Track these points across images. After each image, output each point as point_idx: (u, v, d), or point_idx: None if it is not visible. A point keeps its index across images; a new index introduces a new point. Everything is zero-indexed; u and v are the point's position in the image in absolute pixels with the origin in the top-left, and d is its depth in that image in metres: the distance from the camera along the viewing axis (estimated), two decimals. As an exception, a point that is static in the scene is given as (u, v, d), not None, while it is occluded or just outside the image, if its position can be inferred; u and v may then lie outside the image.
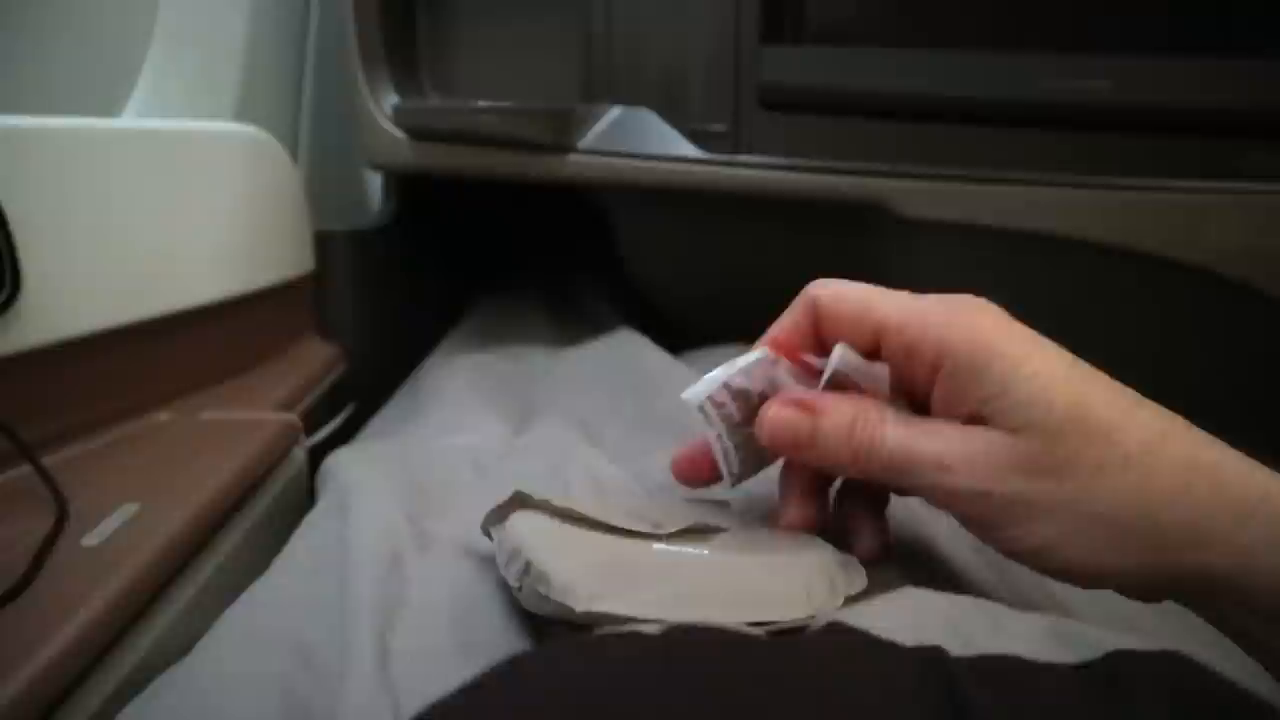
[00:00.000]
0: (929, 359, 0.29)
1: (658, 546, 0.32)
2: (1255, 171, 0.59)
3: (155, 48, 0.66)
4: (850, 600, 0.29)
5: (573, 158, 0.69)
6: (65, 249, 0.54)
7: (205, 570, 0.47)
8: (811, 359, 0.32)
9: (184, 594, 0.45)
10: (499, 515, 0.34)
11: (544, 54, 0.74)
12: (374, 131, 0.72)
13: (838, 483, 0.36)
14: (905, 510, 0.39)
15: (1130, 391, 0.28)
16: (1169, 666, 0.23)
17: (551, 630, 0.30)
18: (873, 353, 0.31)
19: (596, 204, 0.87)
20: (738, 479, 0.34)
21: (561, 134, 0.68)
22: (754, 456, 0.34)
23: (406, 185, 0.88)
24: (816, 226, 0.71)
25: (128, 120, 0.64)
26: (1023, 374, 0.27)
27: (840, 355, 0.30)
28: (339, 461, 0.51)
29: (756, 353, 0.32)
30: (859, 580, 0.31)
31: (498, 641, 0.30)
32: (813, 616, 0.28)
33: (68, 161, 0.55)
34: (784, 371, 0.32)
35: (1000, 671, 0.23)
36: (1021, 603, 0.34)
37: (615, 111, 0.69)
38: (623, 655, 0.23)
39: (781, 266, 0.80)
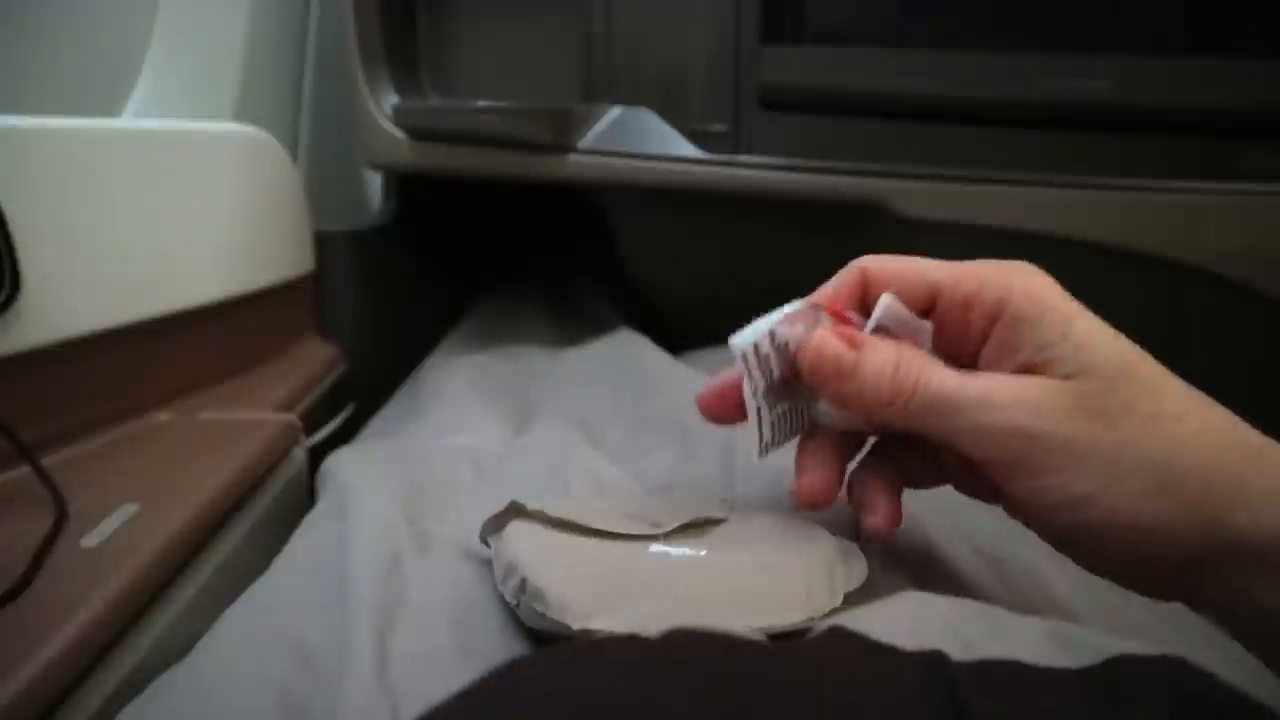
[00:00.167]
0: (987, 309, 0.29)
1: (655, 548, 0.32)
2: (1256, 172, 0.59)
3: (155, 48, 0.66)
4: (850, 598, 0.29)
5: (573, 158, 0.69)
6: (65, 249, 0.54)
7: (205, 570, 0.47)
8: (854, 315, 0.32)
9: (184, 594, 0.45)
10: (496, 525, 0.34)
11: (544, 54, 0.74)
12: (374, 131, 0.72)
13: (853, 464, 0.35)
14: (906, 516, 0.39)
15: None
16: (1169, 671, 0.23)
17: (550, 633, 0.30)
18: (920, 313, 0.31)
19: (596, 204, 0.87)
20: (767, 447, 0.33)
21: (561, 134, 0.68)
22: (785, 424, 0.33)
23: (406, 185, 0.88)
24: (816, 226, 0.71)
25: (127, 120, 0.64)
26: (1078, 326, 0.28)
27: (887, 304, 0.30)
28: (339, 461, 0.51)
29: (800, 301, 0.31)
30: (859, 572, 0.31)
31: (497, 644, 0.30)
32: (812, 619, 0.28)
33: (68, 162, 0.55)
34: (826, 324, 0.31)
35: (1001, 676, 0.23)
36: (1021, 605, 0.34)
37: (615, 111, 0.69)
38: (621, 659, 0.23)
39: (781, 266, 0.80)
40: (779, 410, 0.32)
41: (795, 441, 0.34)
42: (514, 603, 0.30)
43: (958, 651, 0.24)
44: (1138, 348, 0.28)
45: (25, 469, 0.48)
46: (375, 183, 0.87)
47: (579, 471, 0.45)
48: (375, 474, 0.46)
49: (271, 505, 0.56)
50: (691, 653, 0.23)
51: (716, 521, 0.35)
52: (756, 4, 0.65)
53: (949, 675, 0.22)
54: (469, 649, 0.30)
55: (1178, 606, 0.36)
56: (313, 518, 0.45)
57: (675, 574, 0.31)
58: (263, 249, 0.71)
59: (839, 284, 0.32)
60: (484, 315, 0.88)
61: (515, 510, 0.34)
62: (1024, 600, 0.35)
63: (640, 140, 0.68)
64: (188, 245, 0.64)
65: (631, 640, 0.24)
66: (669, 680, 0.22)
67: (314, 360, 0.74)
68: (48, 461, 0.51)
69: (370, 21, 0.71)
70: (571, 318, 0.90)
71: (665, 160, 0.68)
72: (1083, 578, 0.36)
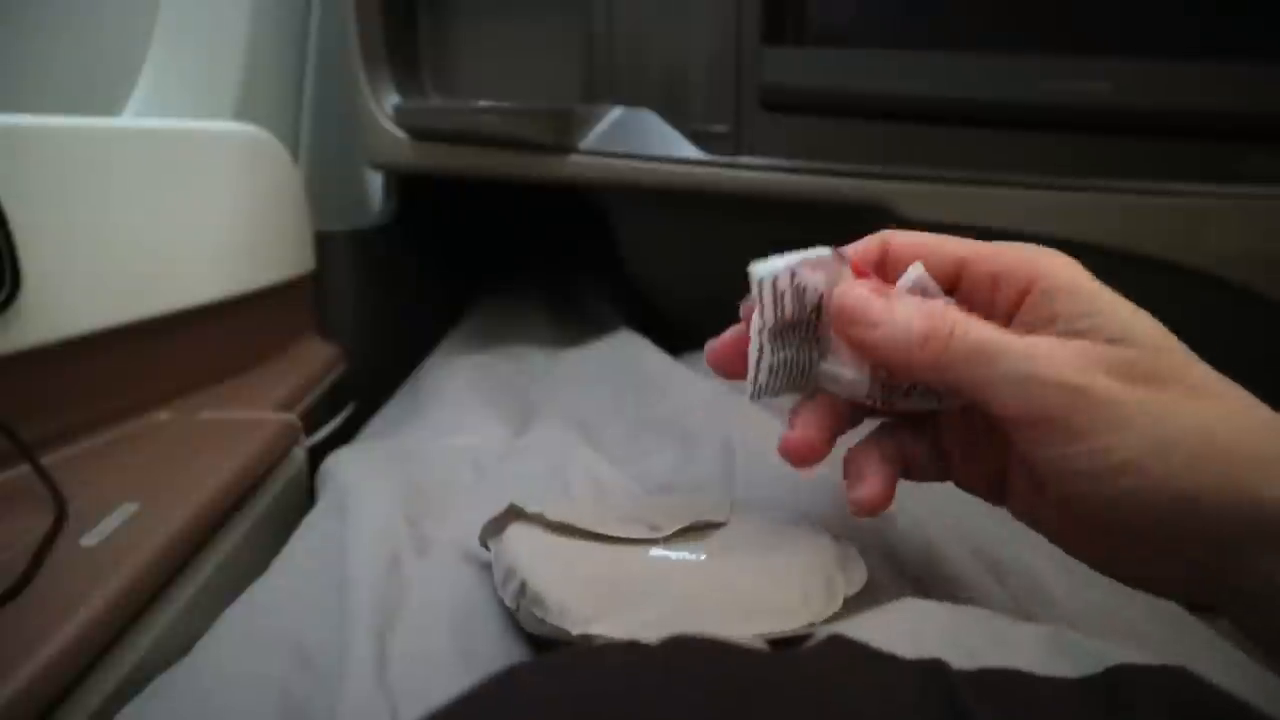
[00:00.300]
0: (1016, 284, 0.28)
1: (654, 552, 0.32)
2: (1256, 175, 0.59)
3: (156, 47, 0.66)
4: (849, 604, 0.29)
5: (574, 158, 0.69)
6: (65, 248, 0.54)
7: (205, 570, 0.47)
8: (876, 280, 0.31)
9: (184, 594, 0.45)
10: (495, 528, 0.34)
11: (545, 54, 0.74)
12: (375, 131, 0.72)
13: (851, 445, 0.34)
14: (906, 517, 0.39)
15: None
16: (1170, 681, 0.23)
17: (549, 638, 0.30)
18: (943, 289, 0.30)
19: (597, 204, 0.87)
20: (760, 391, 0.32)
21: (563, 134, 0.68)
22: (784, 373, 0.32)
23: (407, 185, 0.88)
24: (817, 228, 0.70)
25: (128, 119, 0.64)
26: (1112, 299, 0.27)
27: (917, 274, 0.29)
28: (338, 461, 0.51)
29: (824, 249, 0.30)
30: (858, 577, 0.31)
31: (496, 647, 0.30)
32: (812, 625, 0.28)
33: (68, 160, 0.55)
34: (847, 276, 0.30)
35: (1001, 684, 0.23)
36: (1021, 609, 0.34)
37: (616, 112, 0.69)
38: (621, 665, 0.23)
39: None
40: (781, 356, 0.31)
41: (790, 400, 0.33)
42: (513, 607, 0.30)
43: (957, 659, 0.24)
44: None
45: (25, 468, 0.48)
46: (376, 182, 0.87)
47: (579, 472, 0.45)
48: (375, 474, 0.46)
49: (271, 505, 0.56)
50: (691, 659, 0.23)
51: (716, 525, 0.35)
52: (758, 5, 0.65)
53: (948, 683, 0.22)
54: (468, 651, 0.30)
55: (1177, 611, 0.36)
56: (312, 518, 0.45)
57: (674, 578, 0.31)
58: (263, 248, 0.71)
59: (859, 249, 0.31)
60: (485, 315, 0.88)
61: (515, 513, 0.34)
62: (1023, 604, 0.35)
63: (641, 141, 0.68)
64: (188, 244, 0.64)
65: (631, 646, 0.24)
66: (668, 686, 0.22)
67: (314, 360, 0.74)
68: (48, 460, 0.51)
69: (372, 21, 0.71)
70: (572, 318, 0.90)
71: (666, 161, 0.67)
72: (1083, 581, 0.36)
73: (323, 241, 0.79)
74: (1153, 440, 0.25)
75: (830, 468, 0.41)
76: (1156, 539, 0.26)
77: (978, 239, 0.31)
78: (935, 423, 0.33)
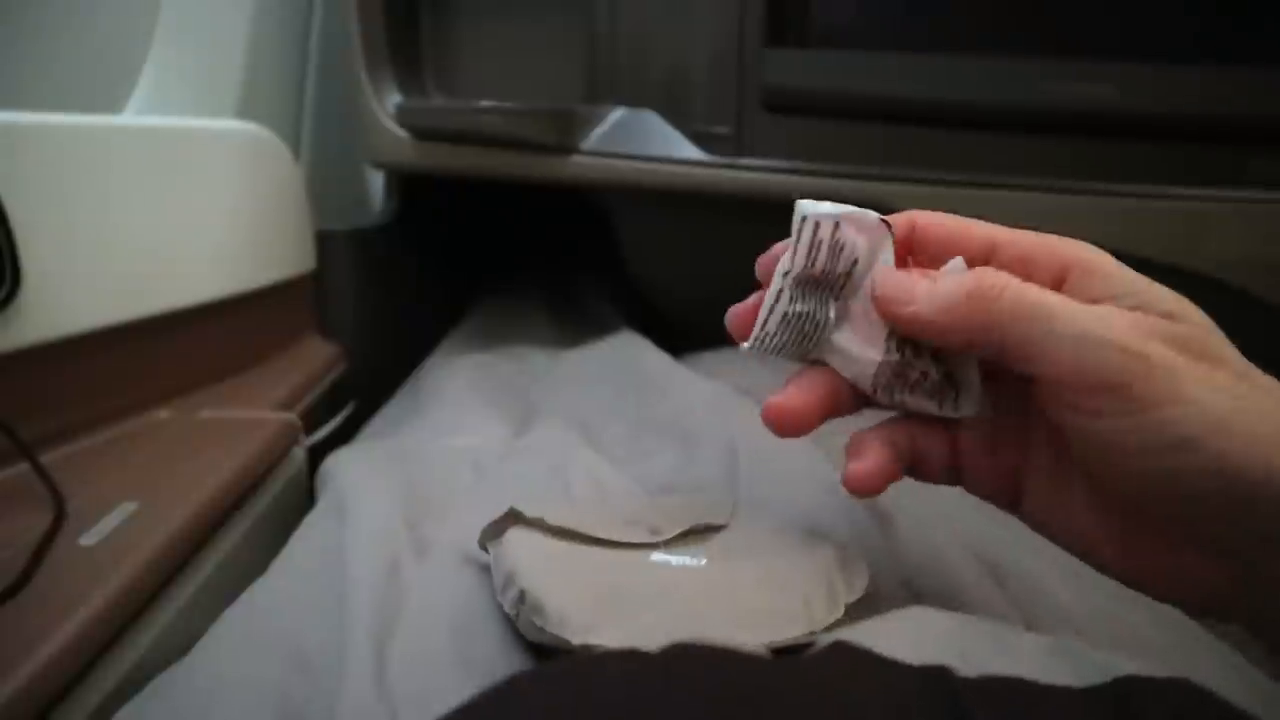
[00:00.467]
0: (1053, 267, 0.27)
1: (655, 557, 0.32)
2: (1257, 179, 0.59)
3: (157, 45, 0.66)
4: (851, 610, 0.29)
5: (575, 159, 0.69)
6: (66, 246, 0.54)
7: (204, 570, 0.47)
8: (918, 270, 0.29)
9: (183, 593, 0.45)
10: (495, 531, 0.34)
11: (547, 54, 0.74)
12: (377, 131, 0.72)
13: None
14: (908, 519, 0.39)
15: None
16: (1177, 693, 0.23)
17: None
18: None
19: (599, 204, 0.87)
20: (763, 341, 0.30)
21: (564, 135, 0.68)
22: (792, 331, 0.30)
23: (408, 184, 0.88)
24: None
25: (129, 117, 0.64)
26: (1150, 281, 0.26)
27: (958, 264, 0.28)
28: (338, 462, 0.51)
29: (871, 212, 0.29)
30: (860, 582, 0.30)
31: (495, 652, 0.30)
32: (813, 633, 0.28)
33: (69, 158, 0.55)
34: (888, 252, 0.29)
35: (1005, 693, 0.22)
36: (1026, 617, 0.33)
37: (618, 113, 0.69)
38: (622, 674, 0.23)
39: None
40: (797, 308, 0.29)
41: (784, 369, 0.31)
42: (513, 614, 0.30)
43: (961, 667, 0.24)
44: None
45: (24, 466, 0.48)
46: (377, 181, 0.87)
47: (579, 473, 0.45)
48: (374, 475, 0.46)
49: (271, 504, 0.56)
50: (692, 666, 0.23)
51: (717, 528, 0.35)
52: (761, 6, 0.64)
53: (952, 689, 0.22)
54: (468, 656, 0.30)
55: (1180, 618, 0.36)
56: (311, 519, 0.45)
57: (675, 585, 0.30)
58: (264, 247, 0.71)
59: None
60: (485, 315, 0.88)
61: (514, 517, 0.34)
62: (1025, 610, 0.34)
63: (643, 142, 0.68)
64: (189, 243, 0.64)
65: (631, 654, 0.24)
66: (670, 695, 0.22)
67: (314, 359, 0.74)
68: (47, 459, 0.51)
69: (374, 20, 0.70)
70: (573, 318, 0.90)
71: (668, 162, 0.67)
72: (1086, 587, 0.36)
73: (323, 240, 0.79)
74: (1213, 416, 0.23)
75: (834, 468, 0.41)
76: (1195, 528, 0.25)
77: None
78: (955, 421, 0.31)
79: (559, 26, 0.73)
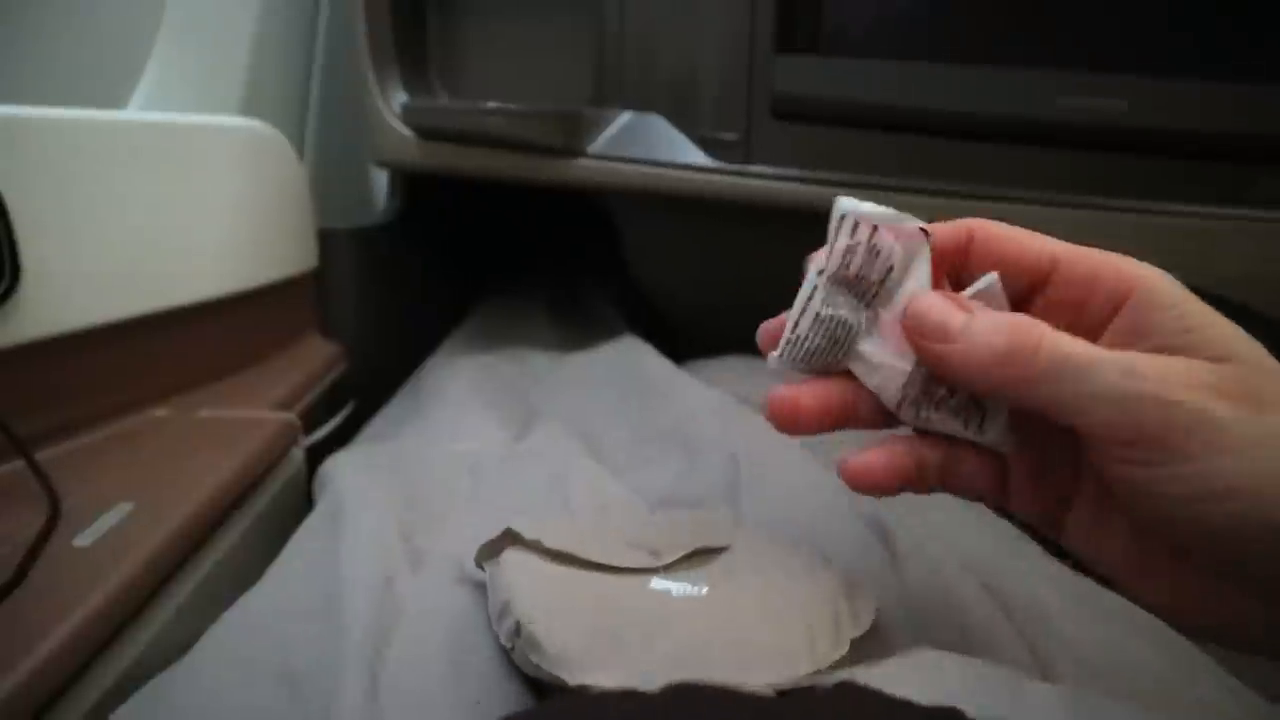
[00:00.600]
0: (1114, 290, 0.27)
1: (655, 583, 0.31)
2: (1262, 197, 0.58)
3: (162, 40, 0.66)
4: (856, 644, 0.29)
5: (581, 162, 0.68)
6: (66, 241, 0.54)
7: (200, 572, 0.47)
8: (949, 290, 0.28)
9: (178, 596, 0.44)
10: (491, 550, 0.34)
11: (555, 56, 0.74)
12: (382, 130, 0.71)
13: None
14: (911, 541, 0.38)
15: None
16: None
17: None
18: (1025, 288, 0.28)
19: (604, 207, 0.87)
20: (793, 347, 0.29)
21: (571, 138, 0.68)
22: (827, 335, 0.29)
23: (412, 183, 0.87)
24: (827, 239, 0.70)
25: (132, 112, 0.64)
26: (1212, 315, 0.26)
27: (989, 281, 0.28)
28: (336, 467, 0.50)
29: (911, 218, 0.28)
30: (865, 614, 0.30)
31: (490, 680, 0.30)
32: (818, 672, 0.27)
33: (71, 152, 0.54)
34: (924, 262, 0.28)
35: None
36: (1040, 662, 0.33)
37: (625, 116, 0.69)
38: (620, 716, 0.22)
39: (789, 278, 0.79)
40: (829, 311, 0.29)
41: (787, 378, 0.30)
42: (508, 646, 0.29)
43: (974, 714, 0.23)
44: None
45: (20, 463, 0.48)
46: (381, 180, 0.86)
47: (579, 484, 0.44)
48: (371, 483, 0.46)
49: (269, 505, 0.56)
50: (693, 709, 0.22)
51: (718, 550, 0.34)
52: (771, 12, 0.64)
53: None
54: (462, 681, 0.29)
55: (1182, 646, 0.35)
56: (307, 528, 0.45)
57: (675, 617, 0.30)
58: (266, 245, 0.71)
59: (943, 232, 0.29)
60: (488, 316, 0.88)
61: (511, 537, 0.33)
62: (1029, 638, 0.34)
63: (650, 146, 0.68)
64: (191, 240, 0.63)
65: (630, 695, 0.23)
66: None
67: (315, 358, 0.74)
68: (44, 456, 0.50)
69: (380, 18, 0.70)
70: (576, 320, 0.90)
71: (675, 168, 0.67)
72: (1088, 615, 0.36)
73: (326, 239, 0.78)
74: (1261, 464, 0.23)
75: (837, 488, 0.40)
76: (1238, 570, 0.24)
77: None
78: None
79: (567, 28, 0.72)
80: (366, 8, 0.70)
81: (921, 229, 0.28)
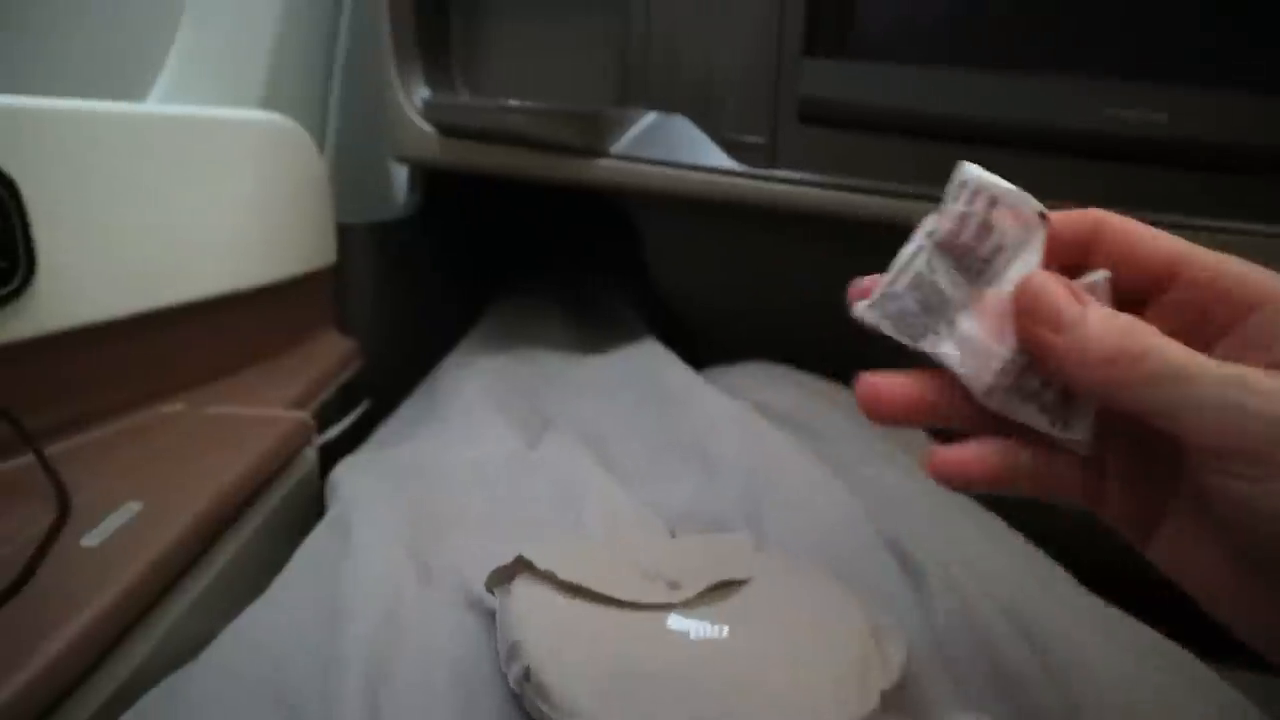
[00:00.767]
0: (1243, 299, 0.26)
1: (673, 622, 0.30)
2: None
3: (183, 32, 0.65)
4: (886, 697, 0.27)
5: (603, 162, 0.67)
6: (83, 234, 0.53)
7: (208, 574, 0.46)
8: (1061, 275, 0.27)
9: (185, 599, 0.44)
10: (502, 577, 0.32)
11: (579, 54, 0.73)
12: (403, 125, 0.70)
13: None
14: (939, 571, 0.37)
15: None
16: None
17: None
18: (1143, 288, 0.28)
19: (623, 207, 0.85)
20: (885, 301, 0.28)
21: (593, 138, 0.67)
22: (922, 298, 0.28)
23: (432, 179, 0.87)
24: (851, 246, 0.69)
25: (151, 105, 0.63)
26: None
27: (1097, 278, 0.27)
28: (347, 474, 0.50)
29: (1031, 199, 0.27)
30: (896, 661, 0.28)
31: (496, 717, 0.28)
32: None
33: (89, 145, 0.54)
34: (1037, 247, 0.27)
35: None
36: (1071, 703, 0.31)
37: (649, 117, 0.68)
38: None
39: (810, 284, 0.78)
40: (930, 275, 0.28)
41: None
42: (516, 689, 0.28)
43: None
44: None
45: (30, 458, 0.48)
46: (401, 176, 0.86)
47: (593, 500, 0.43)
48: (380, 496, 0.45)
49: (280, 505, 0.55)
50: None
51: (738, 583, 0.33)
52: (800, 14, 0.63)
53: None
54: (467, 716, 0.28)
55: (1212, 682, 0.34)
56: (313, 541, 0.44)
57: (694, 665, 0.28)
58: (285, 240, 0.70)
59: (1064, 220, 0.28)
60: (504, 316, 0.87)
61: (523, 564, 0.32)
62: (1056, 676, 0.32)
63: (673, 148, 0.66)
64: (209, 234, 0.63)
65: None
66: None
67: (330, 355, 0.73)
68: (55, 450, 0.50)
69: (404, 13, 0.69)
70: (593, 322, 0.89)
71: (698, 170, 0.66)
72: (1117, 648, 0.34)
73: (344, 233, 0.78)
74: None
75: (859, 510, 0.39)
76: None
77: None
78: (1097, 441, 0.29)
79: (592, 26, 0.71)
80: (390, 2, 0.69)
81: (1041, 213, 0.27)
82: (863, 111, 0.62)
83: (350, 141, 0.79)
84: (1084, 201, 0.58)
